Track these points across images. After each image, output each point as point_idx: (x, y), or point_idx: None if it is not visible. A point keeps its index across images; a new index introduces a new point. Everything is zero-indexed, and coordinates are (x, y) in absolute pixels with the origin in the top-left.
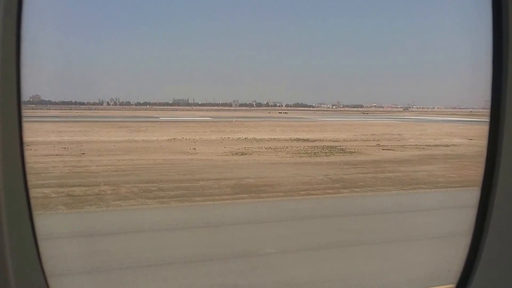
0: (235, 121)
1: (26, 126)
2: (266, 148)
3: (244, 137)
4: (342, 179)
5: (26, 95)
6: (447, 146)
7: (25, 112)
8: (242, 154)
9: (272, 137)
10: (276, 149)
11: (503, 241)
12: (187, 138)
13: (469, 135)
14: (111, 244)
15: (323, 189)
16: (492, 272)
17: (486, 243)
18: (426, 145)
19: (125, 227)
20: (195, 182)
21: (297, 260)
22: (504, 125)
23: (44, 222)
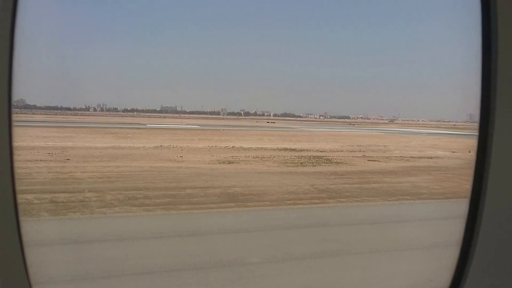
0: (223, 129)
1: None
2: (253, 157)
3: (231, 146)
4: (328, 189)
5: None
6: (431, 158)
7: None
8: (229, 162)
9: (259, 146)
10: (263, 158)
11: (492, 253)
12: (174, 145)
13: (452, 147)
14: (94, 251)
15: (309, 199)
16: (482, 281)
17: (475, 253)
18: (410, 156)
19: (109, 235)
20: (181, 190)
21: (282, 269)
22: (492, 136)
23: (26, 229)
